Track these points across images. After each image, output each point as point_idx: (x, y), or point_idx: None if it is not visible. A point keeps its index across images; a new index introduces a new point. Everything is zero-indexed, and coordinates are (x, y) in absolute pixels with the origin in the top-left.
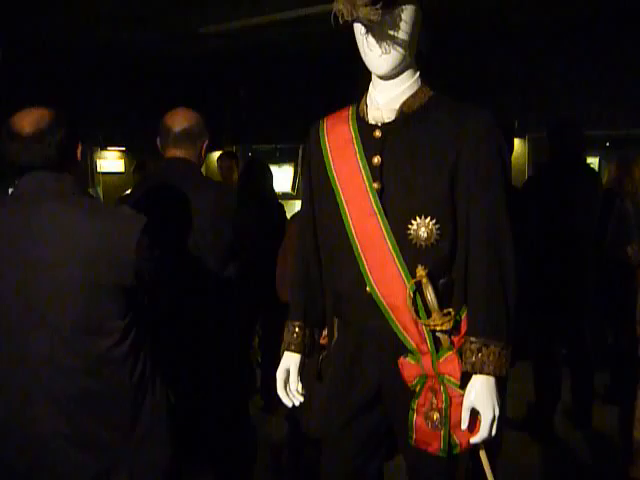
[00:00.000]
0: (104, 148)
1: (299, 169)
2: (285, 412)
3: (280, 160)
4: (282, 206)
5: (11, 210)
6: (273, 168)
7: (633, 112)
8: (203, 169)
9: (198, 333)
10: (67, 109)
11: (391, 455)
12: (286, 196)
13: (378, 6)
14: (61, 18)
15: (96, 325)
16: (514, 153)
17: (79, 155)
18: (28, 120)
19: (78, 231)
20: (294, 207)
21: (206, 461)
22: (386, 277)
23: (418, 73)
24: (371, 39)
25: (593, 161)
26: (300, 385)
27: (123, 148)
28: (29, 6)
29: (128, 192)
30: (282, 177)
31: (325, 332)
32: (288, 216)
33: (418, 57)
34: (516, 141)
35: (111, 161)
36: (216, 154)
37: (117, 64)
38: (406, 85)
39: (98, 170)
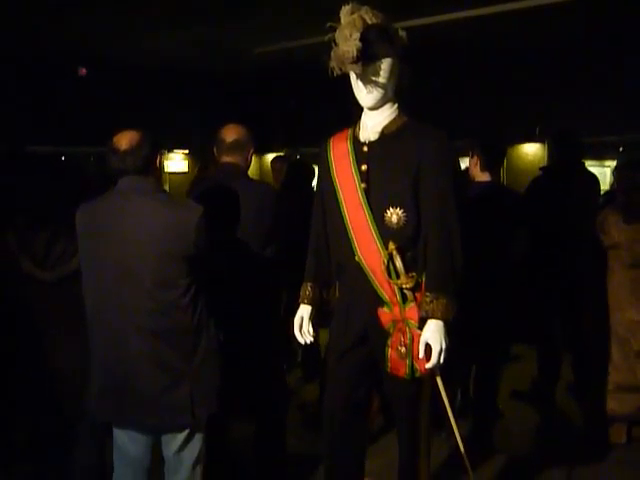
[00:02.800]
0: (171, 150)
1: None
2: (319, 381)
3: None
4: None
5: (112, 202)
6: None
7: None
8: (256, 169)
9: (241, 294)
10: (144, 118)
11: (376, 385)
12: None
13: (359, 63)
14: (141, 43)
15: (168, 281)
16: (534, 157)
17: (158, 163)
18: (124, 139)
19: (156, 217)
20: None
21: (246, 405)
22: (368, 250)
23: (396, 105)
24: (359, 83)
25: (611, 165)
26: (311, 328)
27: (187, 151)
28: (119, 33)
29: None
30: None
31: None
32: None
33: (398, 93)
34: (536, 146)
35: (177, 162)
36: (270, 156)
37: (183, 79)
38: (387, 114)
39: (165, 170)
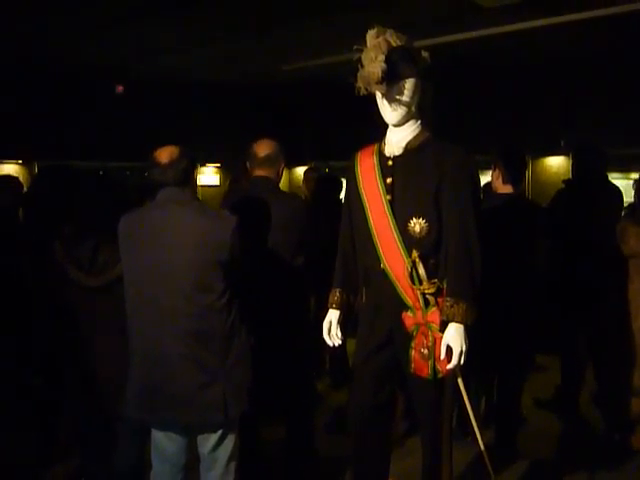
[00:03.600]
0: (203, 164)
1: None
2: (346, 388)
3: None
4: None
5: (153, 212)
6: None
7: None
8: (286, 181)
9: (271, 300)
10: (177, 133)
11: (400, 384)
12: None
13: (384, 84)
14: (174, 60)
15: (205, 285)
16: (558, 169)
17: (195, 176)
18: (165, 154)
19: (194, 225)
20: None
21: (277, 408)
22: (393, 257)
23: (419, 121)
24: (385, 101)
25: (637, 177)
26: (339, 332)
27: (219, 164)
28: (152, 50)
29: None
30: None
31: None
32: None
33: (421, 110)
34: (561, 158)
35: (209, 176)
36: (299, 169)
37: (215, 95)
38: (410, 130)
39: (198, 183)
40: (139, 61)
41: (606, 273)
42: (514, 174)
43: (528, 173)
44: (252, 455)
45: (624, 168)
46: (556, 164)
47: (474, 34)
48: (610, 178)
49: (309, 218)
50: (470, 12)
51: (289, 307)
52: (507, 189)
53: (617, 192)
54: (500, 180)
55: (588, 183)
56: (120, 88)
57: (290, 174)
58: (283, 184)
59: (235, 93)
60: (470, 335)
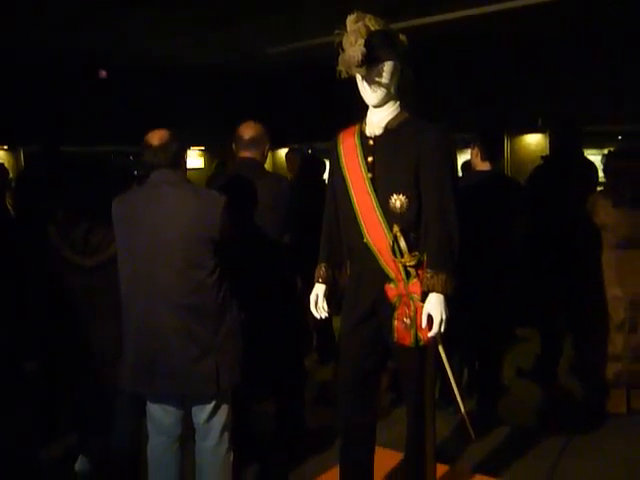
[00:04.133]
0: (188, 148)
1: None
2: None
3: None
4: None
5: (146, 193)
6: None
7: None
8: (270, 162)
9: (258, 278)
10: (161, 117)
11: (385, 354)
12: None
13: (364, 67)
14: (159, 45)
15: (196, 262)
16: (536, 147)
17: (185, 158)
18: (156, 137)
19: (185, 204)
20: None
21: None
22: (375, 232)
23: (399, 102)
24: (365, 83)
25: None
26: (326, 305)
27: (203, 147)
28: (136, 36)
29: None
30: None
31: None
32: None
33: (400, 91)
34: (539, 136)
35: (193, 159)
36: (283, 151)
37: (199, 79)
38: (389, 110)
39: None
40: (123, 46)
41: (580, 245)
42: (491, 152)
43: (507, 151)
44: (244, 430)
45: (598, 144)
46: (534, 142)
47: (456, 15)
48: (586, 154)
49: (293, 198)
50: None
51: (276, 284)
52: (485, 166)
53: (592, 167)
54: (478, 158)
55: (564, 158)
56: (104, 73)
57: (274, 156)
58: (267, 165)
59: (218, 77)
60: (450, 304)
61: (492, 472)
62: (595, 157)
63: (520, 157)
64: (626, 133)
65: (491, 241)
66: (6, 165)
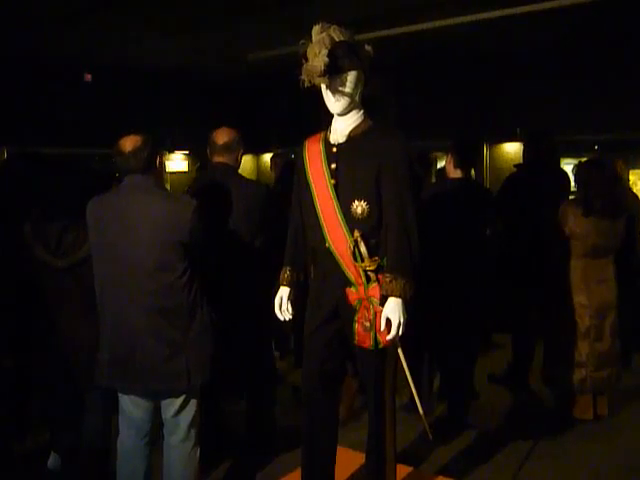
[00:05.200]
0: (172, 151)
1: None
2: None
3: None
4: None
5: (118, 197)
6: None
7: (620, 117)
8: (254, 167)
9: (230, 280)
10: (146, 120)
11: (348, 356)
12: None
13: (326, 77)
14: (143, 50)
15: (166, 265)
16: (514, 155)
17: (158, 164)
18: (128, 143)
19: (156, 209)
20: None
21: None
22: (337, 237)
23: (362, 111)
24: (329, 92)
25: None
26: (290, 307)
27: (187, 151)
28: (121, 39)
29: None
30: None
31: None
32: None
33: (363, 100)
34: (517, 145)
35: (177, 162)
36: (266, 156)
37: (183, 84)
38: (353, 119)
39: (167, 170)
40: (107, 50)
41: (549, 253)
42: (464, 160)
43: (486, 159)
44: (215, 427)
45: (575, 154)
46: (513, 150)
47: (434, 24)
48: (563, 163)
49: (269, 201)
50: (430, 4)
51: (250, 286)
52: (457, 174)
53: (565, 177)
54: (451, 165)
55: (536, 167)
56: (88, 76)
57: (258, 160)
58: (251, 170)
59: (203, 81)
60: (408, 308)
61: (457, 474)
62: (571, 166)
63: (498, 166)
64: (603, 142)
65: (462, 248)
66: None
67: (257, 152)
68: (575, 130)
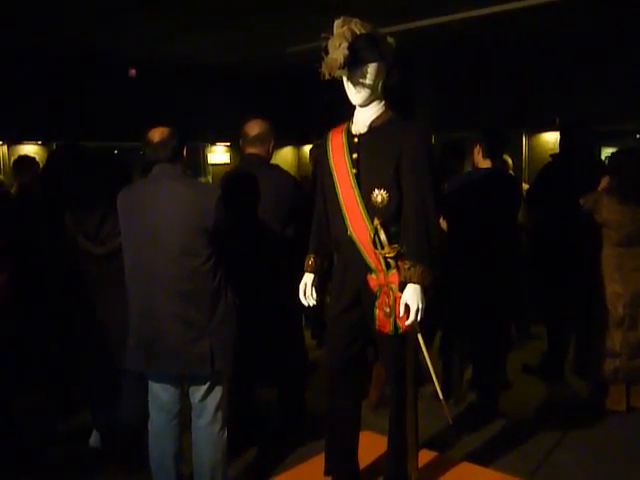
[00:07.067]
0: (214, 143)
1: None
2: None
3: None
4: None
5: (147, 186)
6: None
7: None
8: (295, 159)
9: (260, 265)
10: (190, 114)
11: (370, 341)
12: None
13: (345, 69)
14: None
15: (191, 250)
16: (554, 145)
17: (184, 153)
18: (157, 134)
19: (183, 195)
20: None
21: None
22: (358, 225)
23: (383, 102)
24: (350, 84)
25: None
26: (314, 293)
27: (229, 143)
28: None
29: None
30: None
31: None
32: None
33: (385, 91)
34: (556, 134)
35: (219, 154)
36: (307, 147)
37: (227, 77)
38: (374, 110)
39: (209, 162)
40: (153, 45)
41: (582, 243)
42: (493, 150)
43: (525, 149)
44: (248, 413)
45: (617, 142)
46: (552, 140)
47: (472, 14)
48: (604, 152)
49: (297, 191)
50: None
51: (279, 273)
52: (486, 164)
53: (601, 166)
54: (480, 156)
55: (572, 157)
56: (133, 72)
57: (299, 152)
58: (293, 162)
59: (246, 75)
60: (427, 295)
61: (484, 461)
62: None
63: (538, 155)
64: None
65: (493, 238)
66: (38, 159)
67: (298, 144)
68: (616, 119)
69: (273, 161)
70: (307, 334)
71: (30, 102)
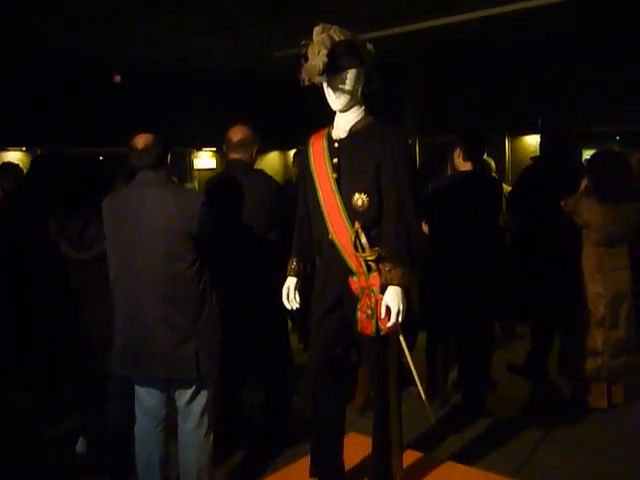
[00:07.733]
0: (199, 149)
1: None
2: None
3: None
4: None
5: (131, 192)
6: None
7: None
8: (281, 163)
9: (242, 271)
10: (175, 119)
11: (353, 343)
12: None
13: (324, 75)
14: (172, 48)
15: (176, 255)
16: (535, 147)
17: (168, 160)
18: (141, 140)
19: (166, 201)
20: None
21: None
22: (339, 229)
23: (363, 107)
24: (329, 90)
25: None
26: (297, 296)
27: (214, 149)
28: (151, 39)
29: None
30: None
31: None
32: None
33: (364, 96)
34: (538, 137)
35: (205, 160)
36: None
37: (212, 82)
38: (354, 115)
39: (195, 167)
40: (137, 50)
41: (563, 243)
42: (472, 152)
43: (508, 151)
44: (234, 416)
45: (597, 144)
46: (534, 143)
47: (456, 19)
48: (585, 154)
49: (280, 196)
50: None
51: (263, 277)
52: (466, 166)
53: (580, 167)
54: (460, 158)
55: (552, 160)
56: (117, 78)
57: (285, 157)
58: (279, 166)
59: (231, 80)
60: (408, 297)
61: (469, 460)
62: None
63: (520, 158)
64: (624, 133)
65: (473, 238)
66: (22, 166)
67: (285, 149)
68: (597, 122)
69: (260, 166)
70: (294, 338)
71: (13, 108)
